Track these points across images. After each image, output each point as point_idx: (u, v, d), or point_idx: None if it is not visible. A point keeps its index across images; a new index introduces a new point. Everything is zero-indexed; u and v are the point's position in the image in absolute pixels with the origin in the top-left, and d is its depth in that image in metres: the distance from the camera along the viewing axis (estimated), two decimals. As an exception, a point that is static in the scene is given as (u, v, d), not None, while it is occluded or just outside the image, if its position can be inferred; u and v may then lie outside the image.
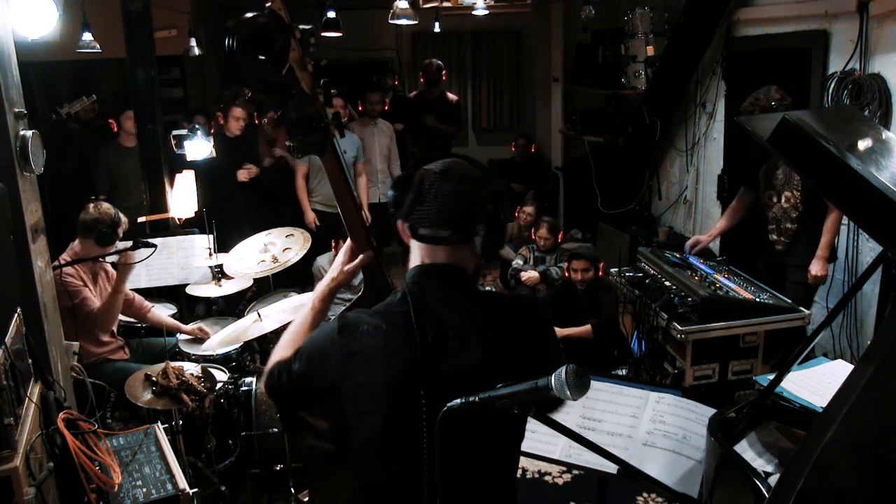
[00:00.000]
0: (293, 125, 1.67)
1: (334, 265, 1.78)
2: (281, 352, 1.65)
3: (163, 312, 4.09)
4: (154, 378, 3.03)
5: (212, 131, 5.49)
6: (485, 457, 1.52)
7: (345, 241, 1.85)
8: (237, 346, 3.66)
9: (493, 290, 5.07)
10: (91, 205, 3.57)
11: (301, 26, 1.65)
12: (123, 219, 3.65)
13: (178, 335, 3.88)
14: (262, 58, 1.59)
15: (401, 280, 1.59)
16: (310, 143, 1.70)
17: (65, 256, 3.51)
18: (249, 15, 1.59)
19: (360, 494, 1.56)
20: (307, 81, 1.66)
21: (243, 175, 5.46)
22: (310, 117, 1.67)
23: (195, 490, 2.32)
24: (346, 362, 1.47)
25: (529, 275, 5.18)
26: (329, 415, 1.61)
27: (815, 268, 3.76)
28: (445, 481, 1.40)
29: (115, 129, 5.51)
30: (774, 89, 3.75)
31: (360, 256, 1.78)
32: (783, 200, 3.89)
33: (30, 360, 2.19)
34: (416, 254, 1.55)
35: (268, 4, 1.60)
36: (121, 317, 3.84)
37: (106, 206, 3.61)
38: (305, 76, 1.65)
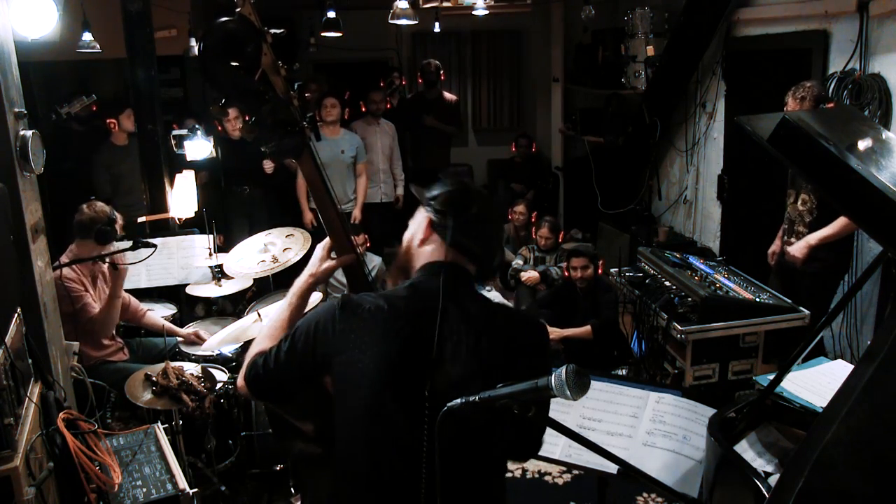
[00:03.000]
0: (268, 130, 1.67)
1: (312, 262, 1.80)
2: (259, 345, 1.65)
3: (161, 313, 4.09)
4: (154, 378, 3.03)
5: (219, 129, 5.48)
6: (472, 451, 1.52)
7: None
8: (237, 346, 3.65)
9: (501, 298, 5.06)
10: (84, 206, 3.56)
11: (272, 30, 1.64)
12: (118, 216, 3.63)
13: (177, 337, 3.88)
14: (234, 63, 1.58)
15: (390, 279, 1.61)
16: (285, 148, 1.70)
17: (64, 258, 3.51)
18: (219, 20, 1.58)
19: (338, 486, 1.55)
20: (280, 86, 1.65)
21: (269, 167, 5.45)
22: (284, 122, 1.67)
23: (195, 490, 2.32)
24: (342, 337, 1.49)
25: (529, 275, 5.18)
26: (313, 412, 1.60)
27: (795, 247, 3.69)
28: (433, 474, 1.41)
29: (116, 129, 5.50)
30: (816, 83, 3.71)
31: (341, 257, 1.78)
32: (800, 202, 3.85)
33: (30, 360, 2.19)
34: (425, 252, 1.60)
35: (237, 10, 1.59)
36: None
37: (100, 204, 3.60)
38: (279, 80, 1.65)
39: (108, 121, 5.50)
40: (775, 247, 4.16)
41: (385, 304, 1.50)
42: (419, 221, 1.64)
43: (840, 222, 3.60)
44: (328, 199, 1.77)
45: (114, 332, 3.67)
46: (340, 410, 1.52)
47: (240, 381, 1.65)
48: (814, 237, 3.66)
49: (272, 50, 1.63)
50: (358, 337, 1.48)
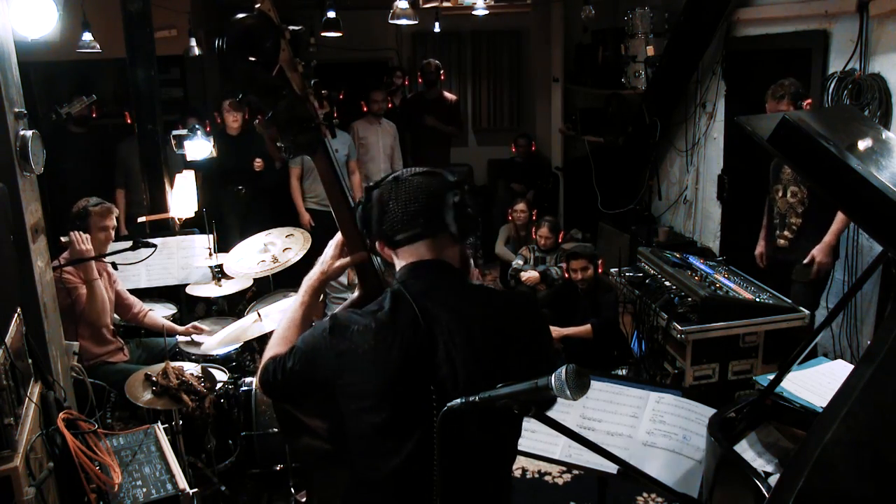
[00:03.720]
0: (284, 126, 1.67)
1: (323, 259, 1.78)
2: (274, 348, 1.65)
3: (161, 313, 4.09)
4: (154, 378, 3.03)
5: (207, 129, 5.48)
6: (480, 454, 1.52)
7: None
8: (237, 346, 3.65)
9: (483, 283, 5.07)
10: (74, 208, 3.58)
11: (291, 27, 1.64)
12: (96, 209, 3.56)
13: (177, 335, 3.88)
14: (252, 59, 1.59)
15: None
16: (301, 144, 1.70)
17: (65, 256, 3.51)
18: (238, 16, 1.59)
19: (353, 492, 1.56)
20: (298, 82, 1.65)
21: (259, 165, 5.47)
22: (300, 118, 1.66)
23: (195, 490, 2.32)
24: (337, 361, 1.49)
25: (529, 275, 5.18)
26: (324, 413, 1.61)
27: (819, 253, 3.70)
28: (442, 478, 1.41)
29: (130, 121, 5.49)
30: (792, 78, 3.74)
31: (353, 255, 1.77)
32: (789, 195, 3.87)
33: (30, 360, 2.19)
34: (400, 260, 1.58)
35: (257, 5, 1.59)
36: (119, 319, 3.84)
37: (82, 200, 3.60)
38: (296, 77, 1.65)
39: (124, 112, 5.54)
40: (761, 248, 4.18)
41: (372, 322, 1.48)
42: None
43: (842, 214, 3.63)
44: (342, 196, 1.76)
45: (112, 326, 3.66)
46: (351, 428, 1.52)
47: (256, 382, 1.67)
48: (830, 236, 3.70)
49: (290, 46, 1.63)
50: (353, 359, 1.47)
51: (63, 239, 3.47)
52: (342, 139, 5.61)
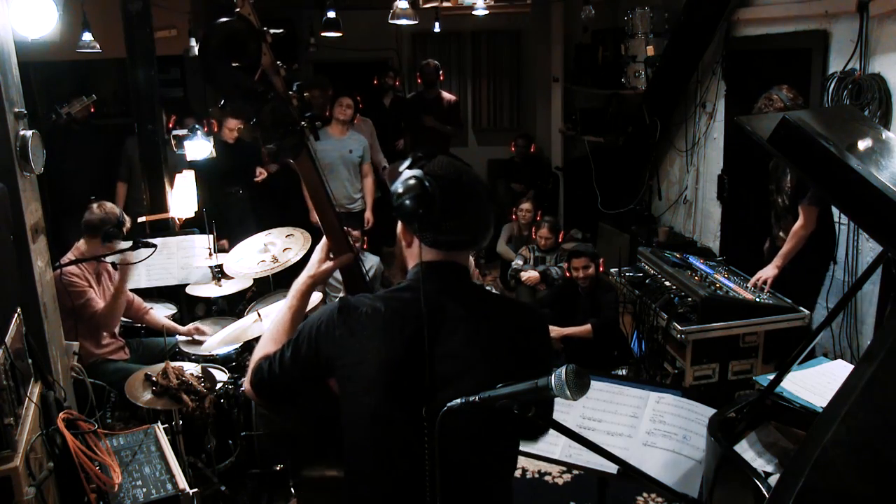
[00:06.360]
0: (268, 130, 1.67)
1: (311, 264, 1.79)
2: (264, 349, 1.66)
3: (161, 313, 4.09)
4: (154, 378, 3.03)
5: (205, 129, 5.48)
6: (478, 453, 1.52)
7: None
8: (237, 346, 3.65)
9: (498, 292, 5.07)
10: (94, 205, 3.57)
11: (272, 30, 1.65)
12: (127, 219, 3.67)
13: (177, 335, 3.88)
14: (235, 64, 1.59)
15: (395, 279, 1.61)
16: (285, 147, 1.70)
17: (69, 256, 3.52)
18: (219, 21, 1.59)
19: (348, 486, 1.56)
20: (280, 86, 1.66)
21: (261, 176, 5.49)
22: (284, 121, 1.67)
23: (195, 490, 2.32)
24: (343, 341, 1.49)
25: (529, 275, 5.18)
26: (319, 403, 1.61)
27: (765, 270, 3.73)
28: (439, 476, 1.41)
29: None
30: (786, 88, 3.69)
31: (340, 257, 1.78)
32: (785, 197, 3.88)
33: (30, 360, 2.19)
34: (414, 252, 1.58)
35: (237, 10, 1.60)
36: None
37: (110, 205, 3.61)
38: (278, 80, 1.66)
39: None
40: (767, 244, 4.20)
41: (382, 305, 1.50)
42: (399, 225, 1.61)
43: (792, 235, 3.65)
44: (326, 199, 1.77)
45: (115, 330, 3.67)
46: (347, 413, 1.52)
47: (246, 385, 1.66)
48: (779, 258, 3.72)
49: (271, 50, 1.63)
50: (358, 341, 1.49)
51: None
52: (356, 139, 5.57)
